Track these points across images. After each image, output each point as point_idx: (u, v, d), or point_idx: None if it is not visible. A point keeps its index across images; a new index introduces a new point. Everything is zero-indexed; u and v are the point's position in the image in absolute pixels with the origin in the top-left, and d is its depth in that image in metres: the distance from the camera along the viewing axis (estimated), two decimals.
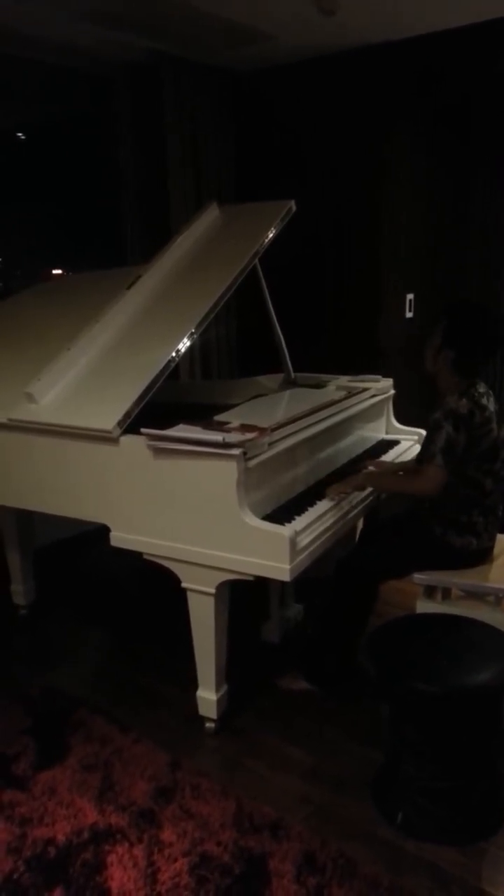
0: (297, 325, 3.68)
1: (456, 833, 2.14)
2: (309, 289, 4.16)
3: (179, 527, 2.39)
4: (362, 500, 2.81)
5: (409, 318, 4.18)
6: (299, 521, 2.43)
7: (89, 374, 2.68)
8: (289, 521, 2.39)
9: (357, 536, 3.23)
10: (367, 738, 2.55)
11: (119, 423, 2.40)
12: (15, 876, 1.99)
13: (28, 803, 2.27)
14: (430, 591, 2.73)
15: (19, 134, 5.93)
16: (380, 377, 3.47)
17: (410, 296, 4.15)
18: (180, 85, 3.90)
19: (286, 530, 2.24)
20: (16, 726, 2.66)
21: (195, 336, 2.65)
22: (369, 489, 2.83)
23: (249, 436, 2.32)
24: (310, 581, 2.64)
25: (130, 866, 2.02)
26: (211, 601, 2.41)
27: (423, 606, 2.68)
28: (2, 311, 3.47)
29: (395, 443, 3.45)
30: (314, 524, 2.47)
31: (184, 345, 2.60)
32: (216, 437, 2.28)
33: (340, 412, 3.00)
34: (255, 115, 4.22)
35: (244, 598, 2.58)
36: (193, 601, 2.45)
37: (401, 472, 2.98)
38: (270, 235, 2.98)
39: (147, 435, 2.37)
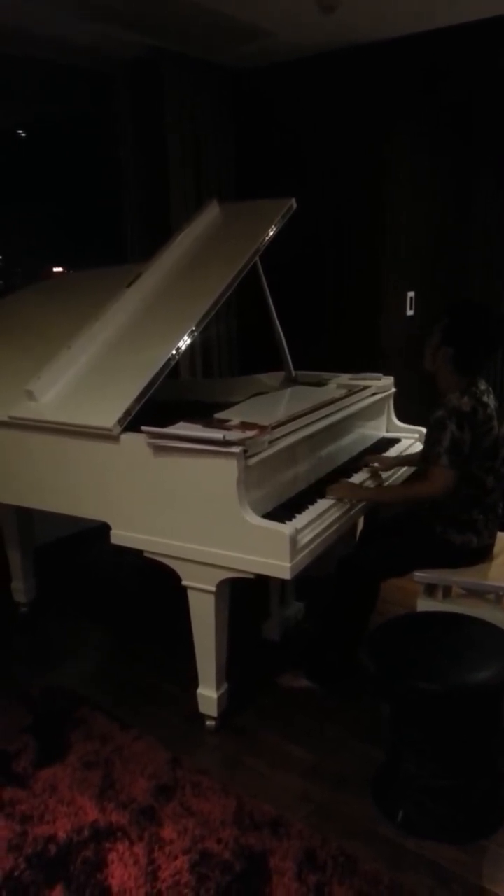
0: (298, 325, 3.68)
1: (456, 831, 2.14)
2: (309, 288, 4.16)
3: (180, 525, 2.39)
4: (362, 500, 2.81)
5: (410, 317, 4.17)
6: (300, 520, 2.42)
7: (90, 371, 2.68)
8: (289, 520, 2.39)
9: (357, 535, 3.23)
10: (368, 736, 2.55)
11: (119, 421, 2.40)
12: (16, 873, 1.99)
13: (29, 801, 2.27)
14: (430, 590, 2.73)
15: (20, 132, 5.93)
16: (380, 375, 3.47)
17: (411, 294, 4.15)
18: (181, 83, 3.90)
19: (287, 528, 2.23)
20: (16, 724, 2.66)
21: (196, 334, 2.65)
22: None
23: (250, 434, 2.32)
24: (310, 579, 2.64)
25: (131, 864, 2.02)
26: (211, 599, 2.41)
27: (424, 605, 2.68)
28: (2, 308, 3.47)
29: (396, 441, 3.45)
30: (315, 522, 2.47)
31: (184, 343, 2.60)
32: (217, 435, 2.28)
33: (341, 410, 3.00)
34: (255, 113, 4.22)
35: (245, 596, 2.58)
36: (194, 599, 2.45)
37: (405, 468, 2.98)
38: (271, 233, 2.97)
39: (147, 433, 2.37)
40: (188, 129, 4.01)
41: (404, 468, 3.16)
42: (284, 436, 2.55)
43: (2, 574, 3.53)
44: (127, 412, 2.41)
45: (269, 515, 2.38)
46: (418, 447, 3.20)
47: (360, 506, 2.77)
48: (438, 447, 2.49)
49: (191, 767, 2.42)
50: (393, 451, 3.31)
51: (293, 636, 3.20)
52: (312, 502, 2.58)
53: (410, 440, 3.45)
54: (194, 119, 4.01)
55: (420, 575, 2.67)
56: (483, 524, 2.65)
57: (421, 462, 2.76)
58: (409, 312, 4.17)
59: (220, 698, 2.58)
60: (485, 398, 2.56)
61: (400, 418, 3.61)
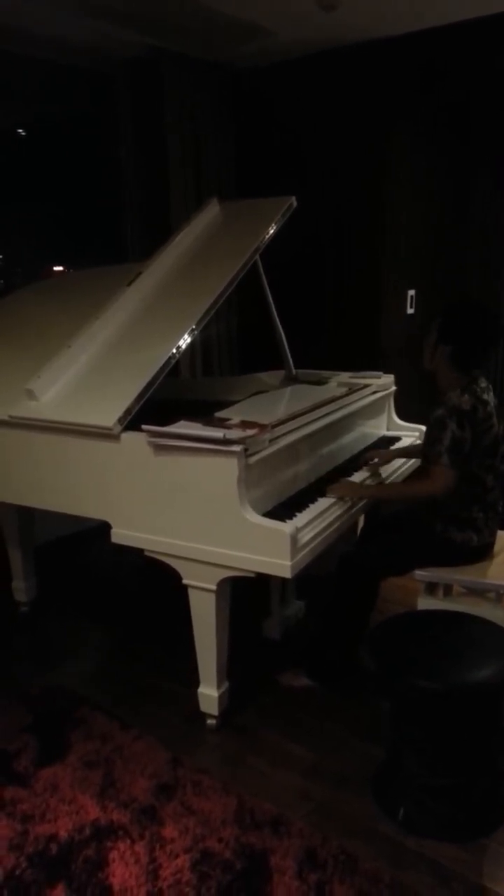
0: (298, 324, 3.68)
1: (457, 829, 2.14)
2: (309, 288, 4.16)
3: (180, 523, 2.39)
4: (363, 497, 2.81)
5: (410, 315, 4.17)
6: (300, 518, 2.42)
7: (90, 370, 2.68)
8: (290, 518, 2.39)
9: (358, 533, 3.23)
10: (369, 735, 2.55)
11: (120, 420, 2.40)
12: (17, 872, 1.99)
13: (30, 800, 2.27)
14: (431, 588, 2.73)
15: (20, 131, 5.92)
16: (381, 373, 3.47)
17: (412, 292, 4.15)
18: (181, 82, 3.90)
19: (287, 527, 2.23)
20: (16, 724, 2.66)
21: (196, 332, 2.65)
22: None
23: (250, 432, 2.32)
24: (311, 578, 2.64)
25: (132, 863, 2.02)
26: (212, 598, 2.41)
27: (425, 603, 2.68)
28: (2, 308, 3.47)
29: (397, 439, 3.45)
30: (315, 521, 2.47)
31: (184, 341, 2.60)
32: (217, 433, 2.28)
33: (341, 408, 3.00)
34: (255, 113, 4.22)
35: (245, 594, 2.57)
36: (194, 598, 2.45)
37: (403, 459, 3.01)
38: (271, 231, 2.97)
39: (148, 432, 2.36)
40: (188, 129, 4.01)
41: (405, 465, 3.16)
42: (285, 434, 2.55)
43: (2, 573, 3.53)
44: (127, 411, 2.41)
45: (269, 514, 2.38)
46: (418, 446, 3.20)
47: (360, 504, 2.77)
48: (439, 446, 2.49)
49: (191, 766, 2.41)
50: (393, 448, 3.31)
51: (294, 635, 3.20)
52: (313, 501, 2.58)
53: (411, 438, 3.45)
54: (194, 119, 4.01)
55: (421, 573, 2.67)
56: (483, 522, 2.65)
57: (421, 460, 2.76)
58: (410, 311, 4.17)
59: (220, 697, 2.58)
60: (485, 396, 2.56)
61: (400, 416, 3.61)
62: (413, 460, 3.19)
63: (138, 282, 2.91)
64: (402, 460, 3.17)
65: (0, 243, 6.47)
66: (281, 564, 2.22)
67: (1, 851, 2.07)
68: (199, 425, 2.38)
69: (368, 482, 2.88)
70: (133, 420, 2.42)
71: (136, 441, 2.40)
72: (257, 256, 2.96)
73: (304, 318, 4.05)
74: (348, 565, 2.72)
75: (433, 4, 3.26)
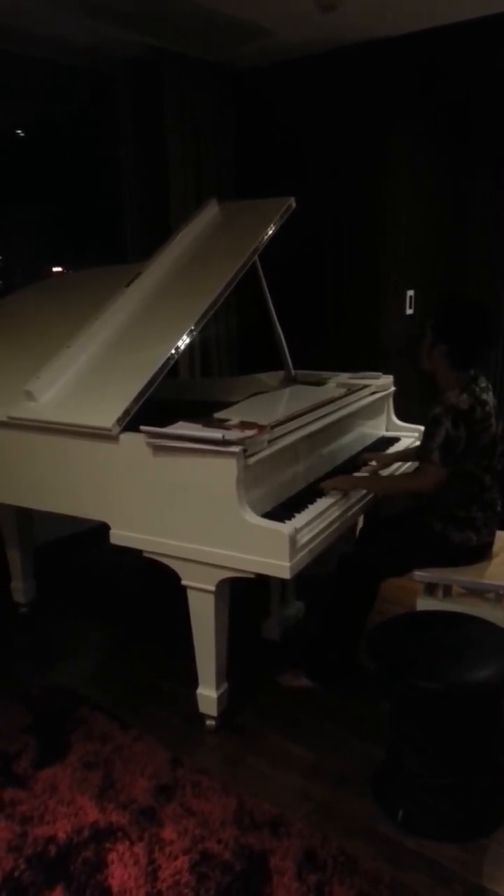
0: (298, 325, 3.68)
1: (457, 829, 2.14)
2: (309, 288, 4.15)
3: (179, 524, 2.39)
4: (362, 498, 2.81)
5: (409, 315, 4.17)
6: (299, 519, 2.42)
7: (89, 371, 2.68)
8: (289, 519, 2.39)
9: (357, 533, 3.22)
10: (368, 735, 2.55)
11: (118, 421, 2.40)
12: (16, 874, 1.99)
13: (29, 801, 2.27)
14: (430, 588, 2.73)
15: (19, 132, 5.92)
16: (380, 374, 3.47)
17: (410, 292, 4.15)
18: (181, 82, 3.90)
19: (286, 528, 2.23)
20: (16, 724, 2.66)
21: (195, 333, 2.65)
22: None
23: (249, 433, 2.32)
24: (310, 578, 2.64)
25: (131, 864, 2.02)
26: (211, 599, 2.41)
27: (424, 603, 2.68)
28: (2, 308, 3.46)
29: (396, 439, 3.45)
30: (314, 521, 2.46)
31: (183, 342, 2.60)
32: (216, 434, 2.28)
33: (340, 409, 3.00)
34: (255, 113, 4.22)
35: (244, 595, 2.57)
36: (193, 599, 2.45)
37: (399, 464, 2.98)
38: (270, 232, 2.97)
39: (146, 432, 2.36)
40: (188, 129, 4.01)
41: (403, 468, 3.15)
42: (284, 435, 2.55)
43: (2, 574, 3.53)
44: (126, 412, 2.41)
45: (268, 515, 2.38)
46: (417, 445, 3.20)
47: (359, 504, 2.77)
48: (432, 443, 2.50)
49: (191, 767, 2.41)
50: (392, 450, 3.30)
51: (293, 635, 3.19)
52: (312, 501, 2.58)
53: (410, 439, 3.45)
54: (194, 119, 4.01)
55: (420, 574, 2.67)
56: (482, 522, 2.65)
57: (416, 456, 2.76)
58: (409, 311, 4.16)
59: (219, 698, 2.58)
60: (484, 396, 2.55)
61: (400, 417, 3.61)
62: (410, 463, 3.19)
63: (137, 282, 2.91)
64: (399, 463, 3.16)
65: (0, 243, 6.48)
66: (280, 565, 2.22)
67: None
68: (198, 426, 2.38)
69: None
70: (132, 421, 2.41)
71: (134, 442, 2.40)
72: (256, 257, 2.96)
73: (305, 319, 4.05)
74: (348, 566, 2.72)
75: (433, 4, 3.25)
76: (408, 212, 4.03)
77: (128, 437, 2.42)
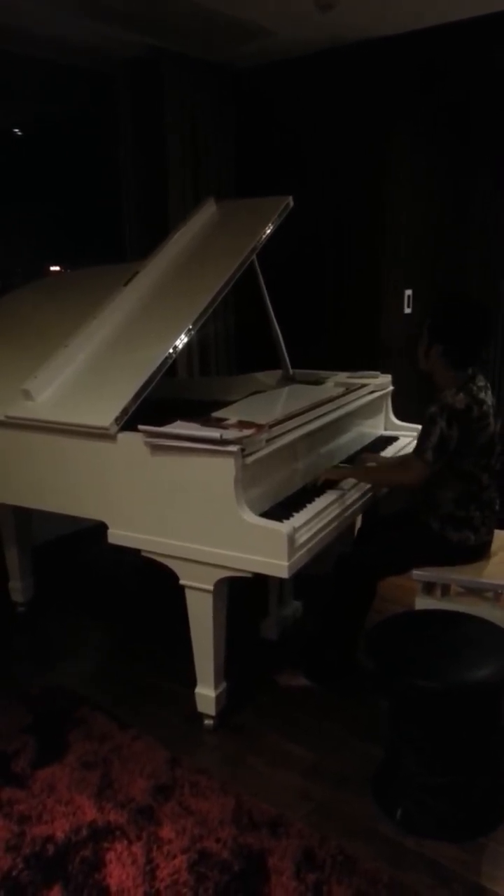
0: (299, 324, 3.68)
1: (456, 829, 2.14)
2: (309, 288, 4.15)
3: (177, 524, 2.38)
4: (361, 497, 2.81)
5: (408, 315, 4.17)
6: (297, 518, 2.42)
7: (86, 370, 2.67)
8: (287, 518, 2.39)
9: (355, 533, 3.22)
10: (367, 734, 2.55)
11: (116, 420, 2.39)
12: (14, 873, 1.99)
13: (27, 801, 2.27)
14: (428, 588, 2.73)
15: (17, 131, 5.92)
16: (378, 373, 3.47)
17: (409, 292, 4.14)
18: (181, 82, 3.90)
19: (284, 527, 2.23)
20: (16, 723, 2.65)
21: (193, 332, 2.65)
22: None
23: (247, 432, 2.32)
24: (309, 578, 2.64)
25: (129, 863, 2.02)
26: (209, 598, 2.40)
27: (422, 603, 2.68)
28: (0, 307, 3.46)
29: (394, 439, 3.45)
30: (312, 521, 2.46)
31: (181, 341, 2.60)
32: (214, 433, 2.28)
33: (339, 408, 3.00)
34: (255, 113, 4.21)
35: (242, 594, 2.57)
36: (191, 598, 2.45)
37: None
38: (268, 231, 2.97)
39: (144, 432, 2.36)
40: (188, 129, 4.00)
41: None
42: (282, 434, 2.55)
43: (0, 574, 3.53)
44: (124, 411, 2.41)
45: (266, 514, 2.38)
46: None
47: (357, 503, 2.77)
48: (427, 442, 2.51)
49: (190, 767, 2.41)
50: (391, 449, 3.31)
51: (291, 635, 3.19)
52: (310, 501, 2.58)
53: (408, 438, 3.45)
54: (194, 119, 4.01)
55: (418, 573, 2.67)
56: (480, 521, 2.65)
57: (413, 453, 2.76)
58: (407, 310, 4.16)
59: (218, 697, 2.58)
60: (481, 395, 2.55)
61: (399, 416, 3.61)
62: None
63: (135, 281, 2.91)
64: None
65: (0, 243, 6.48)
66: (278, 564, 2.22)
67: None
68: (195, 425, 2.38)
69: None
70: (130, 420, 2.41)
71: (132, 441, 2.40)
72: (254, 256, 2.96)
73: (305, 318, 4.05)
74: (346, 565, 2.72)
75: (433, 4, 3.25)
76: (408, 212, 4.03)
77: (126, 437, 2.41)
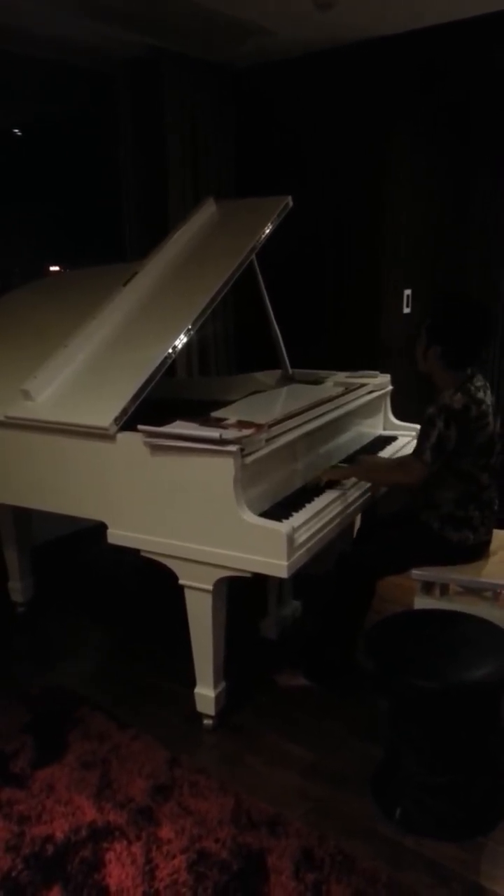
0: (299, 324, 3.68)
1: (455, 828, 2.14)
2: (309, 288, 4.15)
3: (176, 524, 2.38)
4: (360, 497, 2.81)
5: (408, 314, 4.17)
6: (297, 518, 2.42)
7: (86, 370, 2.68)
8: (286, 518, 2.39)
9: (355, 533, 3.22)
10: (367, 734, 2.55)
11: (116, 420, 2.40)
12: (13, 874, 1.99)
13: (26, 801, 2.27)
14: (427, 587, 2.73)
15: (17, 131, 5.92)
16: (377, 373, 3.47)
17: (408, 291, 4.15)
18: (180, 82, 3.90)
19: (283, 527, 2.23)
20: (16, 723, 2.66)
21: (192, 332, 2.65)
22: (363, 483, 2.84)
23: (246, 432, 2.32)
24: (308, 577, 2.64)
25: (129, 863, 2.02)
26: (208, 598, 2.40)
27: (421, 602, 2.68)
28: None
29: (393, 438, 3.45)
30: (312, 520, 2.46)
31: (181, 341, 2.60)
32: (213, 433, 2.28)
33: (338, 408, 3.00)
34: (255, 113, 4.21)
35: (242, 594, 2.57)
36: (191, 598, 2.45)
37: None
38: (267, 231, 2.97)
39: (144, 432, 2.36)
40: (188, 129, 4.00)
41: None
42: (281, 434, 2.55)
43: (0, 574, 3.53)
44: (123, 411, 2.41)
45: (266, 514, 2.38)
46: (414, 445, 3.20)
47: (357, 503, 2.77)
48: (426, 442, 2.52)
49: (189, 766, 2.41)
50: (390, 449, 3.31)
51: (291, 634, 3.20)
52: (309, 500, 2.58)
53: (407, 438, 3.45)
54: (194, 119, 4.00)
55: (417, 573, 2.67)
56: (479, 521, 2.65)
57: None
58: (407, 310, 4.16)
59: (217, 697, 2.58)
60: (480, 395, 2.55)
61: (398, 416, 3.61)
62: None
63: (134, 281, 2.91)
64: None
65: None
66: (277, 564, 2.22)
67: None
68: (195, 425, 2.38)
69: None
70: (129, 420, 2.41)
71: (132, 441, 2.40)
72: (254, 256, 2.96)
73: (305, 318, 4.05)
74: (346, 565, 2.72)
75: (432, 3, 3.24)
76: (408, 212, 4.03)
77: (125, 437, 2.42)
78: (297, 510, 2.48)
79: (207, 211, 3.21)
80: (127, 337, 2.74)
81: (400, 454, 3.26)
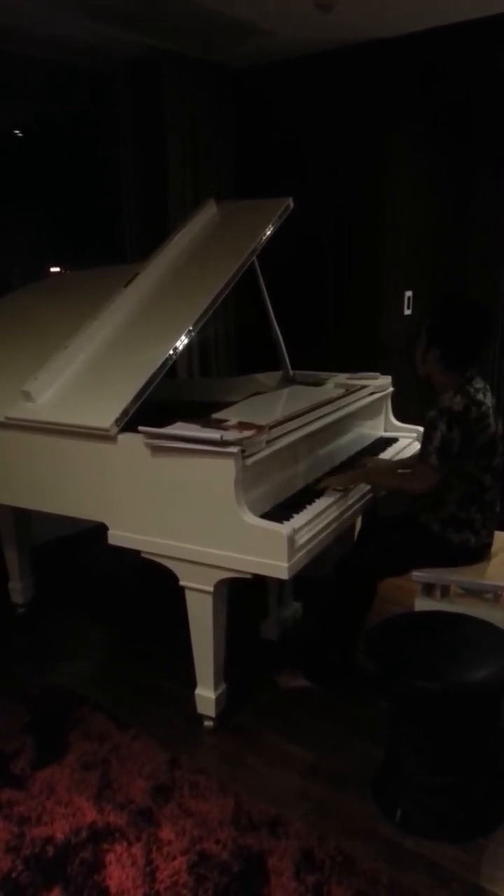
0: (299, 325, 3.67)
1: (455, 829, 2.14)
2: (309, 289, 4.15)
3: (177, 525, 2.38)
4: (361, 498, 2.81)
5: (408, 316, 4.17)
6: (297, 519, 2.42)
7: (87, 372, 2.67)
8: (287, 519, 2.39)
9: (356, 534, 3.22)
10: (367, 735, 2.55)
11: (116, 422, 2.40)
12: (13, 875, 1.99)
13: (26, 802, 2.27)
14: (428, 589, 2.73)
15: (18, 132, 5.92)
16: (378, 374, 3.47)
17: (409, 293, 4.15)
18: (181, 82, 3.90)
19: (284, 528, 2.23)
20: (16, 724, 2.66)
21: (193, 333, 2.65)
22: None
23: (247, 434, 2.32)
24: (309, 579, 2.64)
25: (129, 865, 2.02)
26: (209, 599, 2.40)
27: (422, 604, 2.68)
28: (0, 308, 3.46)
29: (394, 440, 3.45)
30: (312, 522, 2.46)
31: (181, 342, 2.60)
32: (214, 435, 2.28)
33: (339, 409, 2.99)
34: (255, 113, 4.21)
35: (242, 595, 2.57)
36: (192, 599, 2.45)
37: (399, 470, 2.97)
38: (268, 232, 2.97)
39: (145, 433, 2.36)
40: (188, 129, 4.00)
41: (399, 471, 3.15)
42: (282, 435, 2.55)
43: (0, 574, 3.53)
44: (124, 412, 2.41)
45: (266, 515, 2.38)
46: (416, 447, 3.20)
47: (358, 505, 2.77)
48: (430, 446, 2.51)
49: (189, 767, 2.41)
50: (391, 451, 3.31)
51: (291, 636, 3.20)
52: (310, 502, 2.58)
53: (408, 439, 3.45)
54: (194, 119, 4.01)
55: (418, 574, 2.67)
56: (481, 523, 2.65)
57: (417, 459, 2.76)
58: (407, 311, 4.16)
59: (217, 698, 2.58)
60: (479, 396, 2.55)
61: (399, 418, 3.61)
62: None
63: (135, 283, 2.91)
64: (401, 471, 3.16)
65: None
66: (278, 566, 2.22)
67: None
68: (196, 426, 2.38)
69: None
70: (130, 421, 2.41)
71: (133, 442, 2.40)
72: (255, 257, 2.96)
73: (305, 319, 4.05)
74: (346, 566, 2.72)
75: (432, 5, 3.25)
76: (408, 212, 4.03)
77: (126, 438, 2.42)
78: (297, 511, 2.48)
79: (208, 212, 3.21)
80: (128, 338, 2.74)
81: (401, 456, 3.27)
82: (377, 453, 3.23)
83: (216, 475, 2.27)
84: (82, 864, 2.02)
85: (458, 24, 3.46)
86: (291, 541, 2.22)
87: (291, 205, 3.10)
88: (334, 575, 2.75)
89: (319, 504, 2.58)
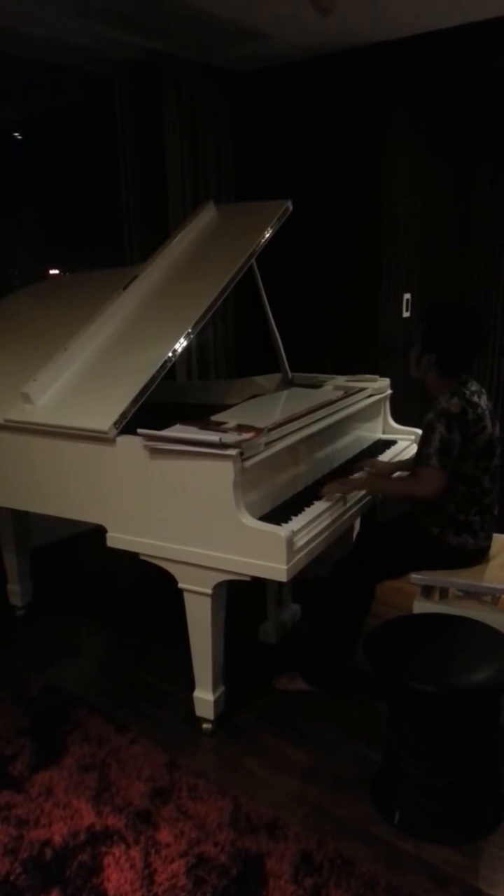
0: (297, 327, 3.67)
1: (454, 832, 2.14)
2: (308, 290, 4.15)
3: (176, 527, 2.38)
4: (359, 501, 2.81)
5: (406, 318, 4.18)
6: (296, 522, 2.42)
7: (85, 374, 2.68)
8: (285, 522, 2.39)
9: (354, 537, 3.23)
10: (365, 737, 2.55)
11: (115, 424, 2.40)
12: (11, 878, 1.99)
13: (24, 805, 2.26)
14: (427, 591, 2.73)
15: (17, 134, 5.93)
16: (377, 377, 3.48)
17: (407, 296, 4.15)
18: (180, 84, 3.90)
19: (283, 530, 2.23)
20: (14, 726, 2.65)
21: (192, 336, 2.65)
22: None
23: (246, 436, 2.32)
24: (307, 581, 2.64)
25: (127, 868, 2.02)
26: (207, 602, 2.40)
27: (421, 606, 2.68)
28: None
29: (392, 443, 3.45)
30: (311, 524, 2.46)
31: (180, 345, 2.60)
32: (212, 437, 2.28)
33: (337, 412, 3.00)
34: (255, 114, 4.22)
35: (241, 598, 2.57)
36: (190, 602, 2.45)
37: (397, 473, 2.97)
38: (267, 235, 2.97)
39: (143, 435, 2.36)
40: (187, 131, 4.01)
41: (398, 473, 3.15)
42: (281, 438, 2.54)
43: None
44: (123, 415, 2.41)
45: (265, 517, 2.38)
46: (414, 449, 3.20)
47: (356, 507, 2.77)
48: (429, 448, 2.51)
49: (187, 770, 2.41)
50: (389, 453, 3.31)
51: (290, 638, 3.19)
52: (309, 504, 2.58)
53: (407, 442, 3.45)
54: (194, 121, 4.01)
55: (416, 576, 2.67)
56: (479, 526, 2.65)
57: (414, 463, 2.76)
58: (406, 314, 4.17)
59: (216, 701, 2.58)
60: (475, 398, 2.55)
61: (397, 420, 3.61)
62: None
63: (134, 285, 2.91)
64: (399, 473, 3.16)
65: None
66: (277, 568, 2.22)
67: None
68: (194, 429, 2.38)
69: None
70: (129, 424, 2.42)
71: (131, 445, 2.40)
72: (253, 260, 2.96)
73: (304, 321, 4.05)
74: (344, 568, 2.72)
75: (432, 9, 3.25)
76: (408, 212, 4.03)
77: (125, 440, 2.42)
78: (296, 514, 2.48)
79: (207, 215, 3.21)
80: (127, 341, 2.74)
81: (399, 458, 3.27)
82: (375, 456, 3.23)
83: (215, 477, 2.27)
84: (80, 866, 2.02)
85: (457, 27, 3.46)
86: (290, 543, 2.22)
87: (290, 207, 3.11)
88: (331, 577, 2.75)
89: (318, 506, 2.58)
